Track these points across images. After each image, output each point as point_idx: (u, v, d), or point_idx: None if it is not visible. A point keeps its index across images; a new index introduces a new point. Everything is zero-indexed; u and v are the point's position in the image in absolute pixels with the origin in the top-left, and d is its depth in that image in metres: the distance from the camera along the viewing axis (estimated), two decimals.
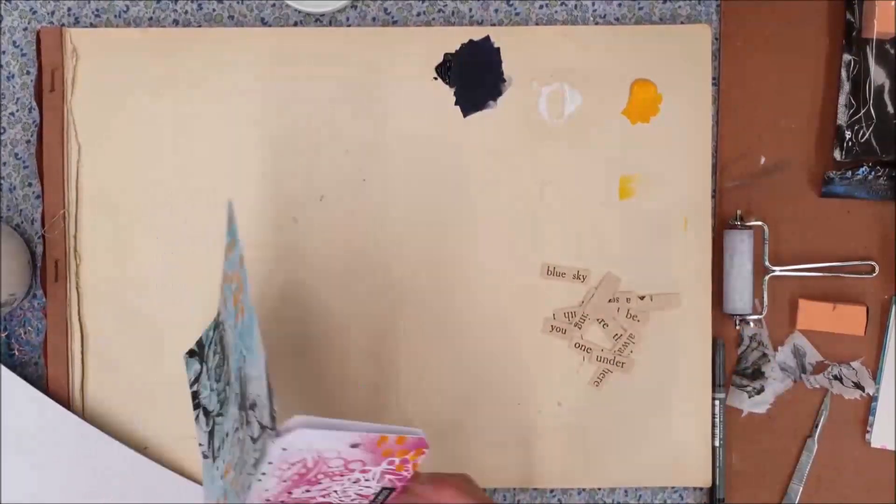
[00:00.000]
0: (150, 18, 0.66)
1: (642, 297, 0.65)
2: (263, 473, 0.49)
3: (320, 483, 0.51)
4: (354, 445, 0.49)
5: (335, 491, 0.52)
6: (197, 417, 0.59)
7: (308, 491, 0.51)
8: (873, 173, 0.64)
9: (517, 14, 0.66)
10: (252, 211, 0.65)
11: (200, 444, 0.59)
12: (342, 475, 0.51)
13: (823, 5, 0.66)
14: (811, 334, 0.66)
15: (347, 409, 0.65)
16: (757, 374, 0.66)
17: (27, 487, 0.64)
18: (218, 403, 0.57)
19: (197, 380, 0.59)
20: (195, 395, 0.59)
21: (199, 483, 0.64)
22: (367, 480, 0.52)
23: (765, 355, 0.66)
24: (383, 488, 0.53)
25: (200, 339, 0.60)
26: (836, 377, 0.66)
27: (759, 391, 0.66)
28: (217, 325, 0.58)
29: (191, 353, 0.60)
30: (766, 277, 0.65)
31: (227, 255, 0.56)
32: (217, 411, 0.57)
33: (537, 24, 0.66)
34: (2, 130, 0.66)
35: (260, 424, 0.49)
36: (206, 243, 0.64)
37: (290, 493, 0.51)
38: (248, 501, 0.50)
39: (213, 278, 0.65)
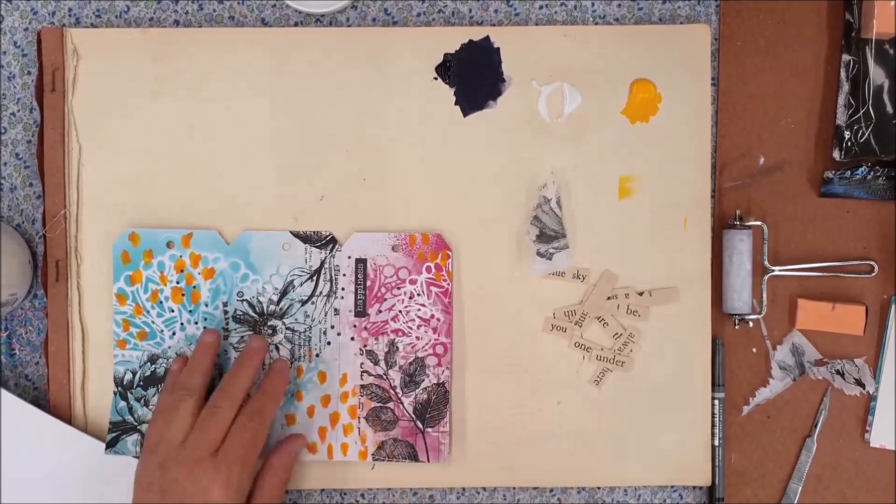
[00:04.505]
0: (151, 19, 0.66)
1: (641, 294, 0.65)
2: (343, 288, 0.64)
3: (386, 300, 0.64)
4: (395, 249, 0.64)
5: (400, 311, 0.64)
6: None
7: (381, 312, 0.64)
8: (872, 173, 0.65)
9: (517, 14, 0.66)
10: (252, 210, 0.65)
11: None
12: (398, 287, 0.64)
13: (823, 5, 0.66)
14: (810, 334, 0.66)
15: None
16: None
17: (26, 492, 0.64)
18: None
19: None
20: None
21: None
22: (419, 296, 0.64)
23: None
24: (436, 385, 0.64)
25: (112, 421, 0.64)
26: (838, 372, 0.66)
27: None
28: (127, 388, 0.64)
29: (112, 443, 0.64)
30: (766, 277, 0.66)
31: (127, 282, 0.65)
32: None
33: (537, 24, 0.66)
34: (3, 130, 0.66)
35: (311, 273, 0.64)
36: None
37: (369, 319, 0.64)
38: (343, 331, 0.64)
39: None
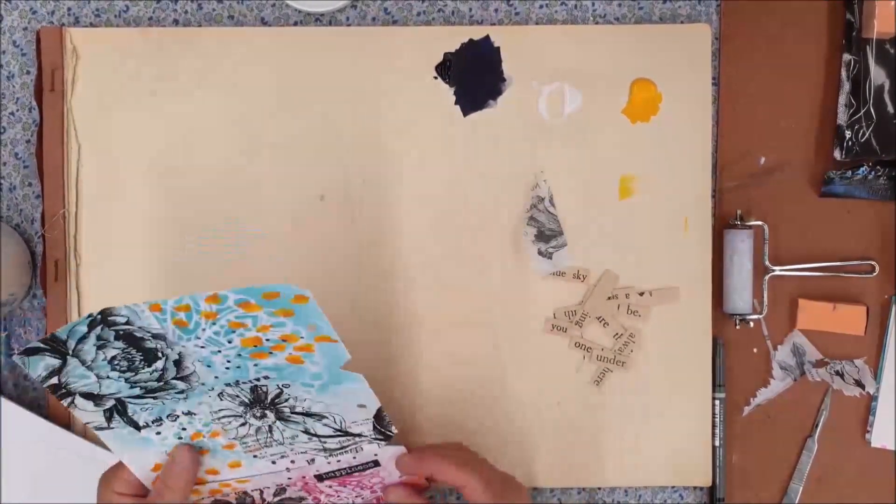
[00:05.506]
0: (151, 18, 0.66)
1: (641, 294, 0.65)
2: (367, 462, 0.57)
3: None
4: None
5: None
6: (71, 403, 0.55)
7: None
8: (873, 173, 0.64)
9: (517, 14, 0.66)
10: (252, 210, 0.65)
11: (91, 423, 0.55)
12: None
13: (823, 5, 0.66)
14: (811, 334, 0.66)
15: None
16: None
17: (25, 494, 0.64)
18: (140, 388, 0.54)
19: (59, 371, 0.54)
20: (58, 387, 0.54)
21: None
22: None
23: None
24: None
25: (55, 336, 0.53)
26: (837, 373, 0.66)
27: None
28: (104, 323, 0.53)
29: (30, 352, 0.53)
30: (766, 277, 0.65)
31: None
32: (139, 393, 0.55)
33: (537, 23, 0.66)
34: (2, 130, 0.66)
35: (348, 433, 0.56)
36: (207, 243, 0.65)
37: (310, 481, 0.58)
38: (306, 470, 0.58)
39: (213, 277, 0.65)
